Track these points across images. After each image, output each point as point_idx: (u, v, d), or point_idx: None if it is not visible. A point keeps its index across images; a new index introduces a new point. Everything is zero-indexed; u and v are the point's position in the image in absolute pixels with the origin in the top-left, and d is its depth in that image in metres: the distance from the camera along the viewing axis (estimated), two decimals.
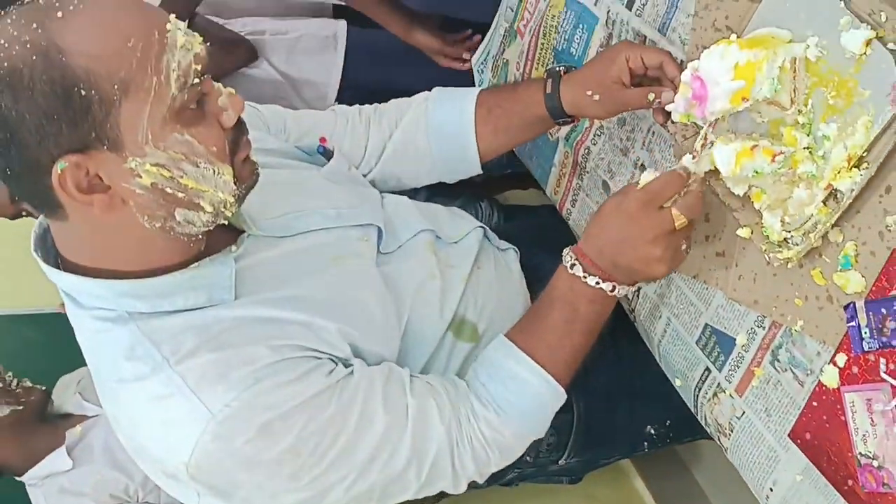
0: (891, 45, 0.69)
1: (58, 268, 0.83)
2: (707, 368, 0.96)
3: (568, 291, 0.93)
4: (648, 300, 1.08)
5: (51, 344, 1.62)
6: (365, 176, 1.17)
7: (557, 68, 1.07)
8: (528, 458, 1.13)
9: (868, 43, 0.71)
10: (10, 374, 1.63)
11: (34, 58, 0.69)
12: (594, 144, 1.20)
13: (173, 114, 0.74)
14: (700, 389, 0.97)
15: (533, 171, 1.40)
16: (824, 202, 0.76)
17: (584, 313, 0.93)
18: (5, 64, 0.69)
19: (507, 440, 0.94)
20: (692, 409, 1.01)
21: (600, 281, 0.90)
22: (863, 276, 0.74)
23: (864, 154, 0.72)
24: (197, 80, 0.76)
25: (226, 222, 0.84)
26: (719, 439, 0.95)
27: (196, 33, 0.77)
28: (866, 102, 0.72)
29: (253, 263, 0.89)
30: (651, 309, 1.07)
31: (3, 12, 0.72)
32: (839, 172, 0.74)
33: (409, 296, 1.00)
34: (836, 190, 0.75)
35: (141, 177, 0.74)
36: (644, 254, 0.86)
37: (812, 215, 0.77)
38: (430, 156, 1.17)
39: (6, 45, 0.69)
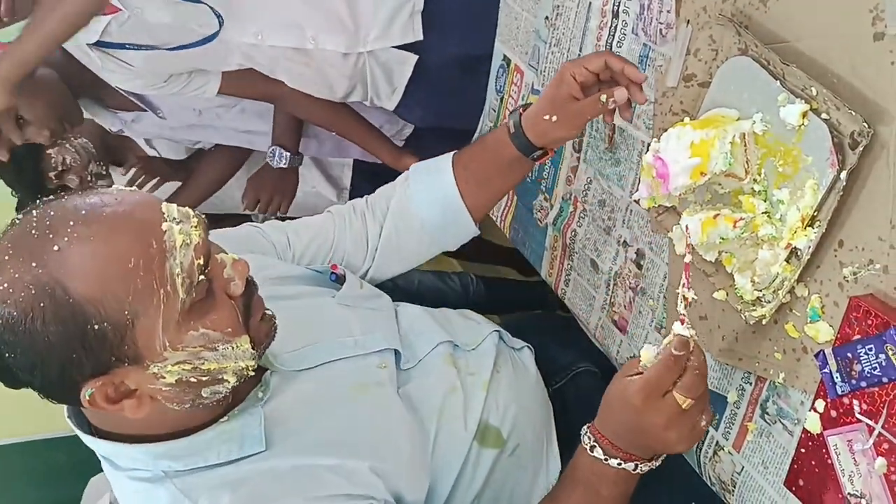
0: (824, 116, 0.77)
1: (92, 434, 0.86)
2: None
3: (590, 475, 0.89)
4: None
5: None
6: (369, 269, 1.20)
7: (518, 108, 1.10)
8: None
9: (804, 115, 0.79)
10: None
11: (42, 304, 0.70)
12: (579, 226, 1.28)
13: (185, 315, 0.77)
14: (701, 450, 1.01)
15: (528, 257, 1.47)
16: (787, 260, 0.83)
17: (608, 496, 0.89)
18: (14, 312, 0.71)
19: None
20: (697, 471, 1.04)
21: (623, 462, 0.87)
22: (830, 326, 0.79)
23: (815, 213, 0.79)
24: (202, 277, 0.77)
25: None
26: (724, 496, 0.98)
27: (190, 210, 0.79)
28: (811, 167, 0.79)
29: (279, 405, 0.90)
30: None
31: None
32: (796, 232, 0.81)
33: (434, 414, 1.00)
34: (795, 248, 0.81)
35: (164, 377, 0.77)
36: (661, 438, 0.83)
37: (778, 273, 0.83)
38: (425, 230, 1.19)
39: (10, 288, 0.71)
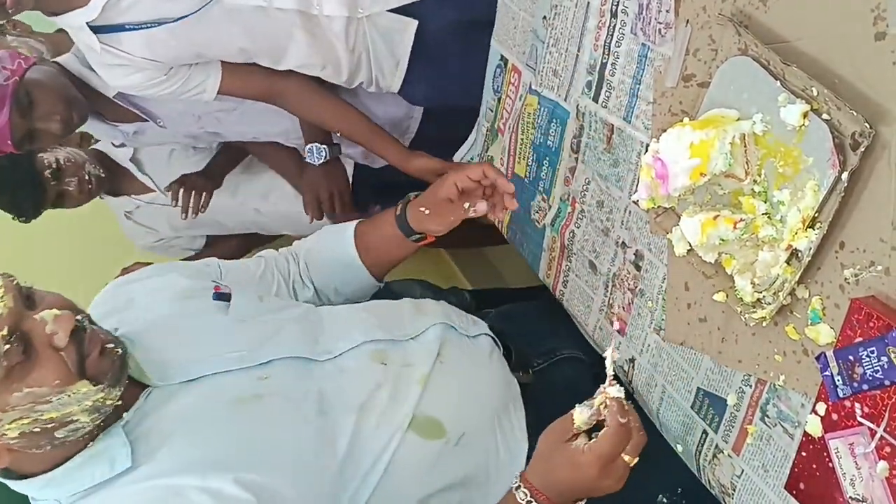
0: (825, 116, 0.76)
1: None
2: (704, 431, 1.00)
3: None
4: (644, 371, 1.12)
5: None
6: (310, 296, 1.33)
7: (412, 194, 1.24)
8: None
9: (805, 115, 0.78)
10: None
11: None
12: (578, 227, 1.27)
13: (2, 381, 0.82)
14: (700, 452, 1.01)
15: (525, 258, 1.47)
16: (787, 262, 0.82)
17: None
18: None
19: None
20: (696, 473, 1.04)
21: None
22: (831, 328, 0.79)
23: (816, 215, 0.78)
24: (8, 346, 0.82)
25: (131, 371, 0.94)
26: (724, 500, 0.98)
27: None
28: (811, 168, 0.79)
29: (156, 422, 0.95)
30: (647, 379, 1.12)
31: None
32: (796, 233, 0.80)
33: (352, 412, 1.02)
34: (796, 250, 0.81)
35: (6, 433, 0.83)
36: (601, 488, 0.91)
37: (778, 275, 0.83)
38: (331, 283, 1.33)
39: None
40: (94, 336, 0.90)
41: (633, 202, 1.01)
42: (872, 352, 0.71)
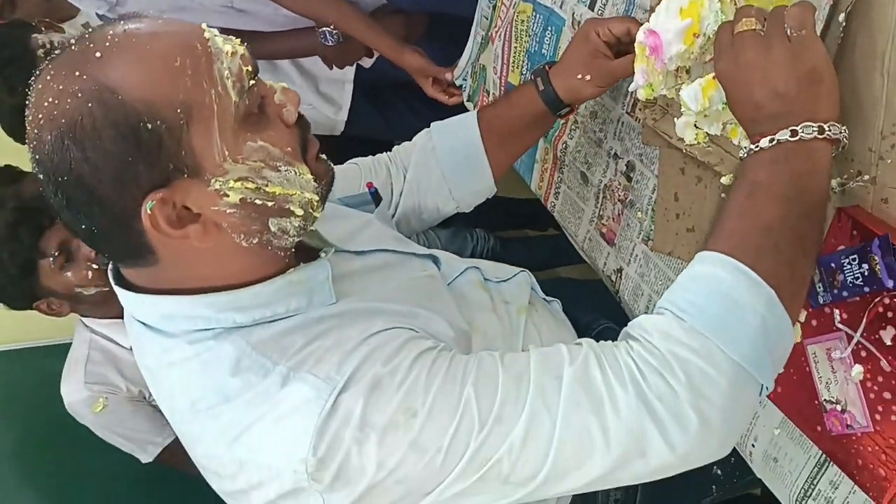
0: None
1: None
2: None
3: (742, 170, 0.75)
4: (631, 280, 1.14)
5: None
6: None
7: (542, 66, 1.10)
8: None
9: None
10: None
11: (90, 105, 0.66)
12: (571, 139, 1.27)
13: (240, 122, 0.72)
14: None
15: (518, 169, 1.47)
16: None
17: (765, 181, 0.71)
18: (63, 120, 0.67)
19: (694, 358, 0.69)
20: None
21: (774, 136, 0.71)
22: None
23: None
24: (252, 82, 0.74)
25: (305, 238, 0.84)
26: None
27: (230, 36, 0.75)
28: None
29: (340, 274, 0.85)
30: (633, 288, 1.13)
31: (37, 71, 0.72)
32: None
33: (479, 323, 0.97)
34: None
35: (228, 195, 0.72)
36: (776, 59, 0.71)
37: None
38: (444, 185, 1.18)
39: (56, 100, 0.67)
40: (313, 138, 0.81)
41: (632, 97, 1.00)
42: (854, 259, 0.72)
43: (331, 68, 1.91)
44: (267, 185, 0.74)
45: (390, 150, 1.22)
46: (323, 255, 0.85)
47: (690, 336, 0.70)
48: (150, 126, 0.67)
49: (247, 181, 0.73)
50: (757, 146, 0.72)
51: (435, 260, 1.02)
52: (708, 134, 0.90)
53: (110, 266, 0.83)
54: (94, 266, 1.56)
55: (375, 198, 1.11)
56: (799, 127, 0.70)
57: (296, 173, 0.76)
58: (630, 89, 0.96)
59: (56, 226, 1.52)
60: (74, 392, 1.66)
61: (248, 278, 0.79)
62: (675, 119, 0.92)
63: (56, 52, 0.72)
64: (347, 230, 0.96)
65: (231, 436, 0.75)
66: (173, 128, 0.68)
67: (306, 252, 0.86)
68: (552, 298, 1.18)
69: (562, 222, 1.33)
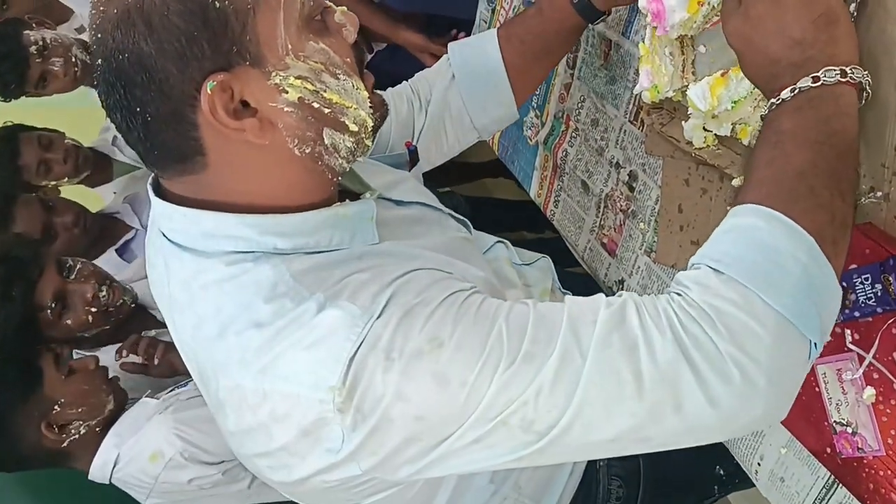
0: None
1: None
2: None
3: (765, 124, 0.70)
4: (632, 291, 1.12)
5: None
6: None
7: None
8: None
9: None
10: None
11: None
12: (571, 146, 1.24)
13: (305, 21, 0.72)
14: None
15: (516, 175, 1.45)
16: None
17: (791, 128, 0.67)
18: None
19: (734, 310, 0.63)
20: None
21: (795, 86, 0.67)
22: None
23: None
24: None
25: (348, 183, 0.84)
26: None
27: None
28: None
29: (382, 218, 0.82)
30: None
31: None
32: None
33: (510, 298, 0.94)
34: None
35: (287, 92, 0.71)
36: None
37: None
38: (466, 114, 1.12)
39: None
40: (368, 74, 0.80)
41: (636, 97, 0.98)
42: (867, 279, 0.71)
43: None
44: (325, 91, 0.73)
45: None
46: (368, 195, 0.84)
47: (729, 286, 0.64)
48: (217, 5, 0.67)
49: (307, 81, 0.72)
50: (779, 98, 0.68)
51: (467, 227, 1.00)
52: (717, 136, 0.88)
53: (150, 180, 0.80)
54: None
55: (413, 156, 1.07)
56: (820, 73, 0.66)
57: (353, 86, 0.75)
58: (635, 92, 0.94)
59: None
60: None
61: (293, 202, 0.76)
62: (683, 122, 0.90)
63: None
64: (388, 181, 0.93)
65: (258, 362, 0.71)
66: (240, 10, 0.68)
67: (350, 196, 0.83)
68: (566, 291, 1.16)
69: (562, 231, 1.31)
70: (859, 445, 0.75)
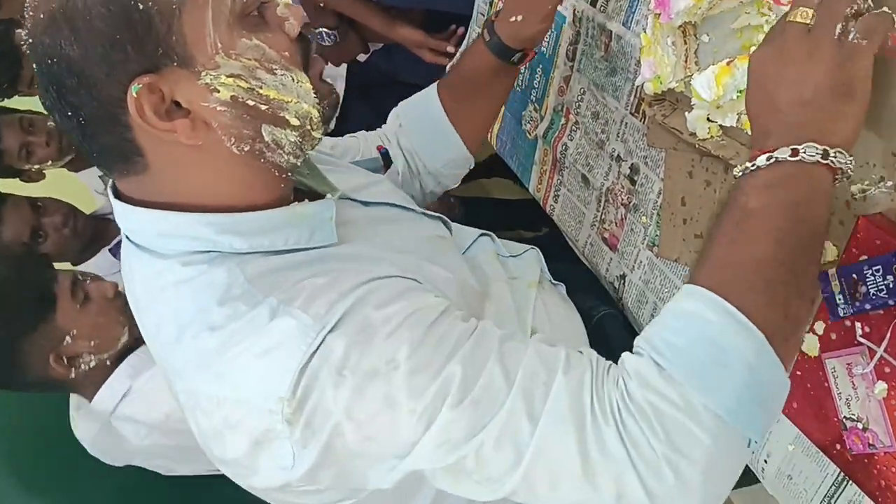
0: None
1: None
2: None
3: (733, 194, 0.67)
4: (635, 287, 1.10)
5: None
6: None
7: (489, 17, 1.08)
8: None
9: None
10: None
11: None
12: (571, 140, 1.22)
13: (236, 18, 0.70)
14: None
15: (515, 170, 1.43)
16: None
17: (758, 209, 0.64)
18: (53, 3, 0.66)
19: (672, 411, 0.62)
20: None
21: (772, 154, 0.64)
22: (835, 246, 0.76)
23: None
24: None
25: (313, 183, 0.84)
26: None
27: None
28: None
29: (345, 219, 0.82)
30: (637, 295, 1.09)
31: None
32: None
33: (493, 291, 0.94)
34: None
35: (218, 91, 0.69)
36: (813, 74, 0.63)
37: None
38: (418, 157, 1.15)
39: None
40: (318, 59, 0.79)
41: (637, 88, 0.98)
42: (878, 270, 0.69)
43: (325, 64, 1.88)
44: (261, 87, 0.71)
45: None
46: (329, 196, 0.83)
47: (669, 385, 0.63)
48: (141, 7, 0.66)
49: (239, 79, 0.70)
50: (753, 165, 0.65)
51: (446, 224, 0.99)
52: (721, 126, 0.87)
53: (110, 182, 0.79)
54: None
55: (386, 159, 1.09)
56: (801, 146, 0.63)
57: (293, 79, 0.73)
58: (636, 83, 0.92)
59: (54, 318, 1.35)
60: (93, 422, 1.44)
61: (243, 200, 0.76)
62: (686, 113, 0.88)
63: None
64: (358, 183, 0.94)
65: (213, 367, 0.71)
66: (165, 11, 0.67)
67: (312, 196, 0.83)
68: (557, 282, 1.15)
69: (561, 226, 1.29)
70: (870, 441, 0.73)
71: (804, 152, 0.63)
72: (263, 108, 0.72)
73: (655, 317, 0.68)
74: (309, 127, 0.75)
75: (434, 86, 1.15)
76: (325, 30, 1.78)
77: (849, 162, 0.63)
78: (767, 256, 0.63)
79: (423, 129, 1.13)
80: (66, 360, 1.30)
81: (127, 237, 0.79)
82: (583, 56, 1.17)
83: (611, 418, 0.64)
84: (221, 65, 0.69)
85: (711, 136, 0.88)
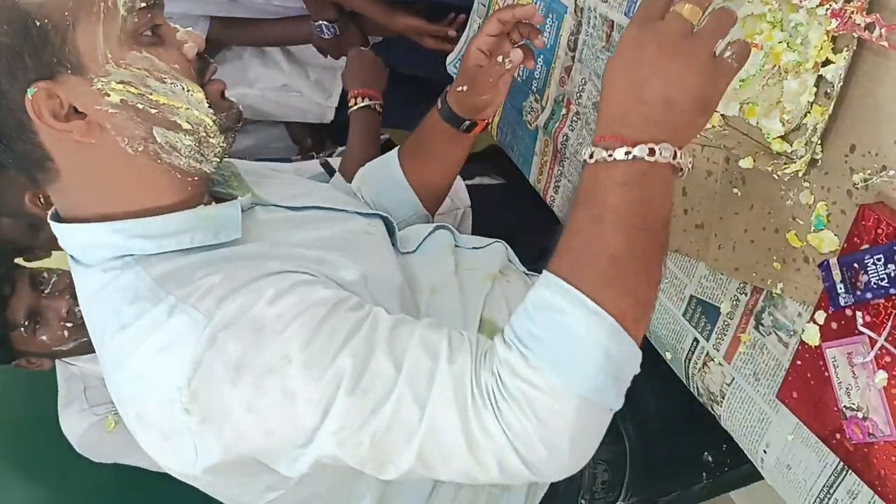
0: None
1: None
2: (695, 339, 0.98)
3: (590, 184, 0.71)
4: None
5: None
6: None
7: (447, 88, 1.14)
8: (582, 501, 1.12)
9: None
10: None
11: None
12: (571, 130, 1.22)
13: (127, 35, 0.77)
14: (690, 360, 1.00)
15: (515, 161, 1.42)
16: (815, 97, 0.76)
17: (615, 206, 0.69)
18: None
19: (539, 395, 0.69)
20: (684, 381, 1.03)
21: (631, 150, 0.68)
22: (836, 235, 0.76)
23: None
24: (144, 4, 0.78)
25: (231, 189, 0.90)
26: (712, 407, 0.97)
27: None
28: None
29: (260, 221, 0.89)
30: None
31: None
32: (821, 49, 0.74)
33: (426, 293, 0.99)
34: (824, 80, 0.74)
35: (109, 95, 0.77)
36: (674, 78, 0.68)
37: (808, 103, 0.76)
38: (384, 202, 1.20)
39: None
40: (218, 81, 0.85)
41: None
42: (879, 259, 0.69)
43: (325, 57, 1.88)
44: (151, 94, 0.78)
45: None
46: (239, 197, 0.89)
47: (536, 374, 0.70)
48: (37, 23, 0.74)
49: (129, 85, 0.77)
50: (611, 156, 0.69)
51: (386, 221, 1.04)
52: (723, 116, 0.86)
53: (50, 213, 0.87)
54: (69, 324, 1.48)
55: (327, 168, 1.18)
56: (658, 147, 0.68)
57: (184, 88, 0.80)
58: None
59: (18, 292, 1.44)
60: (80, 421, 1.50)
61: (151, 203, 0.82)
62: None
63: None
64: (293, 192, 0.99)
65: (125, 365, 0.77)
66: (59, 26, 0.75)
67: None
68: (536, 275, 1.14)
69: (561, 217, 1.29)
70: (870, 430, 0.73)
71: (660, 153, 0.69)
72: (153, 111, 0.79)
73: (524, 301, 0.74)
74: (204, 133, 0.82)
75: (394, 152, 1.22)
76: (324, 23, 1.79)
77: (690, 163, 0.71)
78: (620, 251, 0.70)
79: (383, 187, 1.20)
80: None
81: (69, 254, 0.86)
82: (584, 46, 1.16)
83: (489, 404, 0.71)
84: (112, 73, 0.77)
85: (713, 126, 0.88)
